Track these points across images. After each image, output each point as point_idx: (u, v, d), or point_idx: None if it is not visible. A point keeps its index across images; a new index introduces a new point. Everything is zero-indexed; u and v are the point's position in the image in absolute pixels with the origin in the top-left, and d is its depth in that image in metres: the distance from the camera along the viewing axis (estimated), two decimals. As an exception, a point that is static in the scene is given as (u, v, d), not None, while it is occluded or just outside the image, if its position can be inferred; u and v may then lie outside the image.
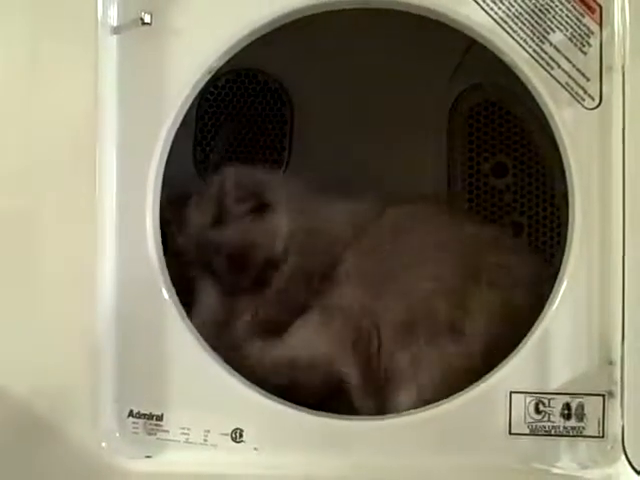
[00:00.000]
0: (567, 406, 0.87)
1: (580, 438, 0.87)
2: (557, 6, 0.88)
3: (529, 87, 0.88)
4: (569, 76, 0.87)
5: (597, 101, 0.86)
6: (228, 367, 0.92)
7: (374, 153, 1.24)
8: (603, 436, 0.87)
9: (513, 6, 0.88)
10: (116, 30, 0.90)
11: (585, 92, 0.87)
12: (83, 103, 0.90)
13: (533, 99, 0.89)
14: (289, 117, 1.31)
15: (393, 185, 1.20)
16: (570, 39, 0.87)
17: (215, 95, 1.31)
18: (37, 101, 0.91)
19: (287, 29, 0.93)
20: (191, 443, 0.91)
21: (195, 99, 0.94)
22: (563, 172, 0.89)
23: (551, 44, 0.87)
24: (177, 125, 0.92)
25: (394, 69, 1.24)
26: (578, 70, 0.87)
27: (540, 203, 1.26)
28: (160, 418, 0.92)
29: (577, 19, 0.87)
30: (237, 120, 1.31)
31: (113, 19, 0.90)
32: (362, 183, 1.11)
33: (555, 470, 0.87)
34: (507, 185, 1.27)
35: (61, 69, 0.90)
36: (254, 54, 0.96)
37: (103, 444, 0.91)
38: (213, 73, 0.92)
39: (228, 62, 0.93)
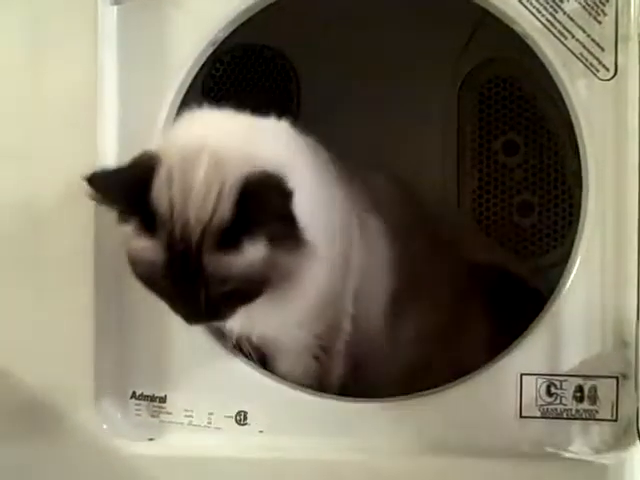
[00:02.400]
0: (580, 388, 0.86)
1: (593, 421, 0.86)
2: (572, -27, 0.85)
3: (542, 58, 0.86)
4: (583, 46, 0.84)
5: (612, 72, 0.84)
6: (232, 348, 0.90)
7: (383, 130, 1.22)
8: (616, 419, 0.85)
9: (526, -26, 0.85)
10: (116, 0, 0.89)
11: (600, 63, 0.84)
12: (84, 75, 0.89)
13: (545, 74, 0.87)
14: (295, 93, 1.29)
15: (402, 162, 1.19)
16: (584, 7, 0.84)
17: (221, 71, 1.29)
18: (37, 73, 0.90)
19: (292, 3, 0.91)
20: (195, 425, 0.90)
21: (200, 75, 0.92)
22: (575, 150, 0.87)
23: (565, 13, 0.84)
24: (180, 98, 0.90)
25: (403, 45, 1.22)
26: (593, 40, 0.84)
27: (551, 182, 1.24)
28: (163, 400, 0.90)
29: (592, -14, 0.85)
30: (243, 96, 1.29)
31: (114, -11, 0.89)
32: (370, 160, 1.09)
33: (567, 454, 0.86)
34: (518, 163, 1.26)
35: (61, 40, 0.89)
36: (260, 29, 0.94)
37: (104, 426, 0.90)
38: (216, 46, 0.90)
39: (234, 38, 0.92)
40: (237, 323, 0.84)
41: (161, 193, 0.76)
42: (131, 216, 0.77)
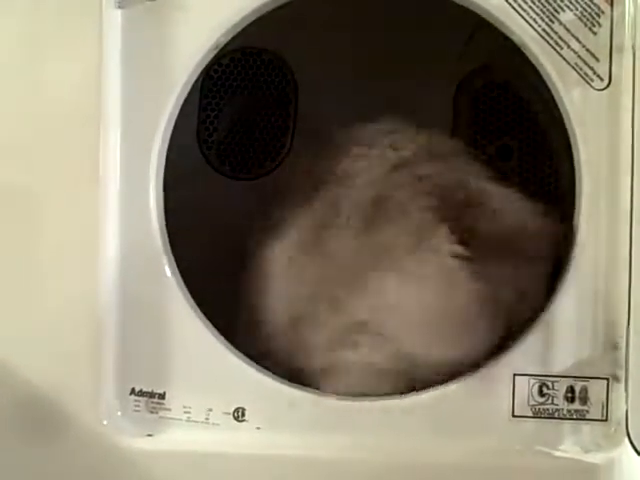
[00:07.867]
0: (571, 389, 0.87)
1: (583, 421, 0.87)
2: (568, -15, 0.87)
3: (537, 67, 0.87)
4: (578, 56, 0.86)
5: (606, 82, 0.85)
6: (230, 345, 0.92)
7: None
8: (607, 420, 0.87)
9: (523, -16, 0.87)
10: (121, 4, 0.90)
11: (594, 73, 0.86)
12: (87, 78, 0.89)
13: (541, 80, 0.88)
14: (293, 97, 1.30)
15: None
16: (580, 18, 0.86)
17: (219, 73, 1.30)
18: (40, 76, 0.90)
19: (293, 7, 0.93)
20: (193, 422, 0.91)
21: (199, 77, 0.93)
22: (569, 155, 0.88)
23: (561, 23, 0.86)
24: (182, 101, 0.91)
25: (400, 49, 1.23)
26: (588, 50, 0.86)
27: (546, 186, 1.26)
28: (162, 396, 0.91)
29: (588, -2, 0.86)
30: (241, 99, 1.30)
31: (118, -7, 0.90)
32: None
33: (558, 453, 0.87)
34: (512, 168, 1.27)
35: (65, 43, 0.90)
36: (259, 32, 0.95)
37: (104, 422, 0.91)
38: (219, 50, 0.91)
39: (233, 40, 0.92)
40: None
41: None
42: None
